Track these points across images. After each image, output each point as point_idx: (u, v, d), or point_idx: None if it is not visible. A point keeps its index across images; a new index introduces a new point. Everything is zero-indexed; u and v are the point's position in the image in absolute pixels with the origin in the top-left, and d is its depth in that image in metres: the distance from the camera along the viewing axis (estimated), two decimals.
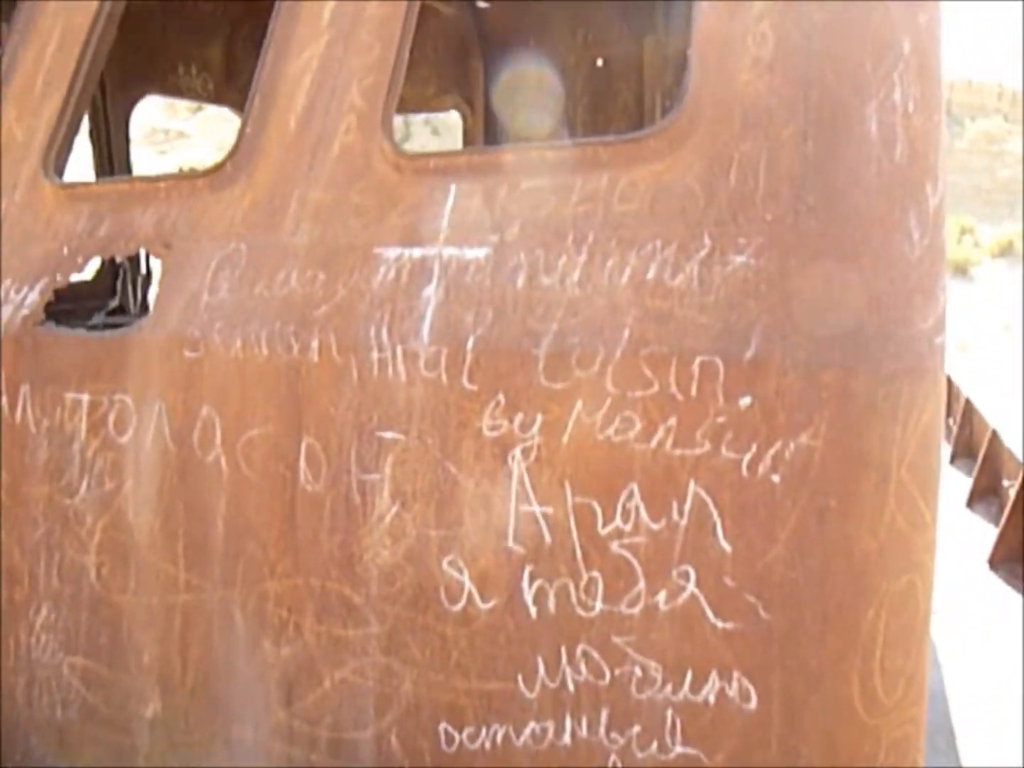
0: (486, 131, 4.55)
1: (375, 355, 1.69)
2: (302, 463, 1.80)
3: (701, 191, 1.54)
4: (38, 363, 2.08)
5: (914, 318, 1.41)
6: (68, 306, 2.20)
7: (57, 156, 2.24)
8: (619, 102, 4.23)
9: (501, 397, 1.60)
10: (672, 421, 1.47)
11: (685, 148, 1.57)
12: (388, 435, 1.71)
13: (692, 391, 1.45)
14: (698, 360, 1.44)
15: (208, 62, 4.30)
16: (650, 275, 1.52)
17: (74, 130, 2.29)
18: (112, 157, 3.84)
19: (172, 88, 4.18)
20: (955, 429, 7.34)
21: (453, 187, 1.74)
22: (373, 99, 1.88)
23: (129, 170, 3.90)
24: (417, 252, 1.72)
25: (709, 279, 1.48)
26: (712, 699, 1.52)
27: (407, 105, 4.79)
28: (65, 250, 2.13)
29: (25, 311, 2.09)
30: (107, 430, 2.01)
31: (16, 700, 2.31)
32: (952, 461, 6.91)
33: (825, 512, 1.40)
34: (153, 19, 3.89)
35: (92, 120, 3.79)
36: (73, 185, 2.20)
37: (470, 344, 1.61)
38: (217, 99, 4.41)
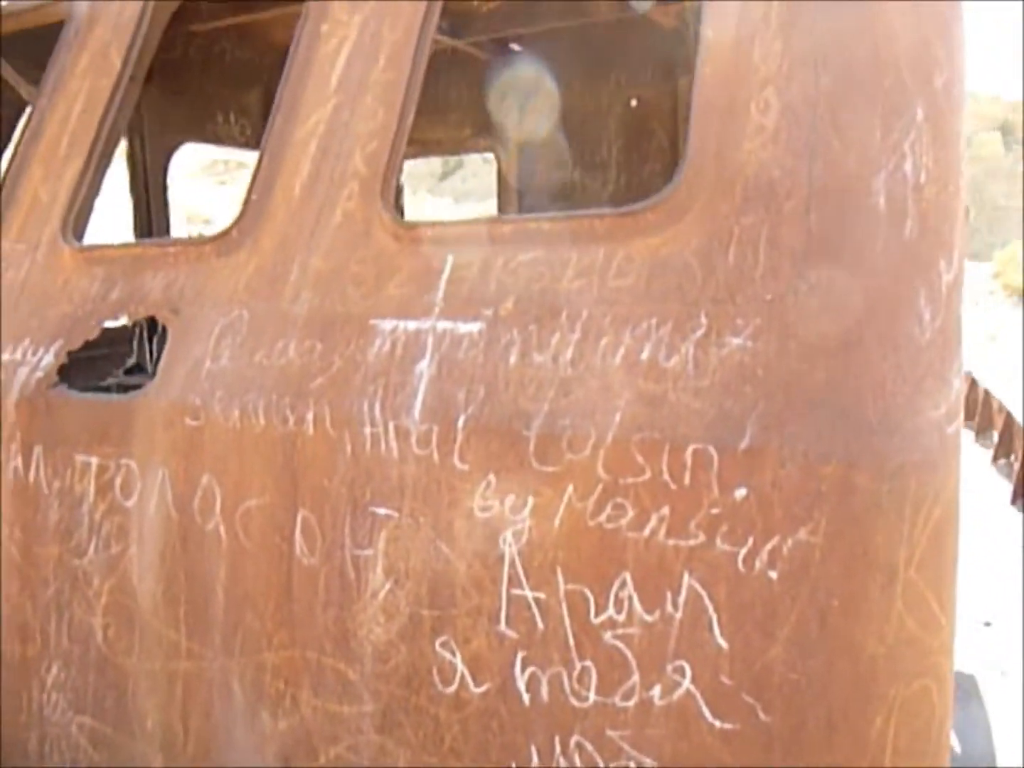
0: (519, 174, 4.54)
1: (368, 430, 1.66)
2: (298, 535, 1.78)
3: (699, 267, 1.48)
4: (51, 425, 2.10)
5: (924, 405, 1.32)
6: (98, 352, 2.22)
7: (76, 219, 2.28)
8: (654, 142, 4.17)
9: (492, 478, 1.55)
10: (665, 510, 1.41)
11: (683, 222, 1.52)
12: (381, 511, 1.67)
13: (685, 480, 1.38)
14: (691, 448, 1.38)
15: (246, 109, 4.38)
16: (644, 355, 1.46)
17: (94, 193, 2.33)
18: (150, 206, 3.92)
19: (211, 136, 4.26)
20: (1018, 468, 7.05)
21: (450, 258, 1.71)
22: (375, 166, 1.86)
23: (167, 219, 3.98)
24: (412, 325, 1.69)
25: (704, 362, 1.41)
26: None
27: (443, 147, 4.82)
28: (80, 313, 2.15)
29: (40, 373, 2.12)
30: (114, 494, 2.02)
31: (29, 756, 2.32)
32: (1013, 502, 6.63)
33: (827, 612, 1.32)
34: (192, 69, 3.98)
35: (131, 169, 3.88)
36: (90, 248, 2.23)
37: (461, 423, 1.57)
38: (255, 145, 4.48)
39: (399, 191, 4.84)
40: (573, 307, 1.55)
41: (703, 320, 1.44)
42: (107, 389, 2.16)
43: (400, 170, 1.89)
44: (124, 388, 2.10)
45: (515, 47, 4.38)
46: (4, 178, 2.47)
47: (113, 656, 2.10)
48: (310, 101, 2.04)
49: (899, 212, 1.39)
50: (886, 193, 1.40)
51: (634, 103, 4.28)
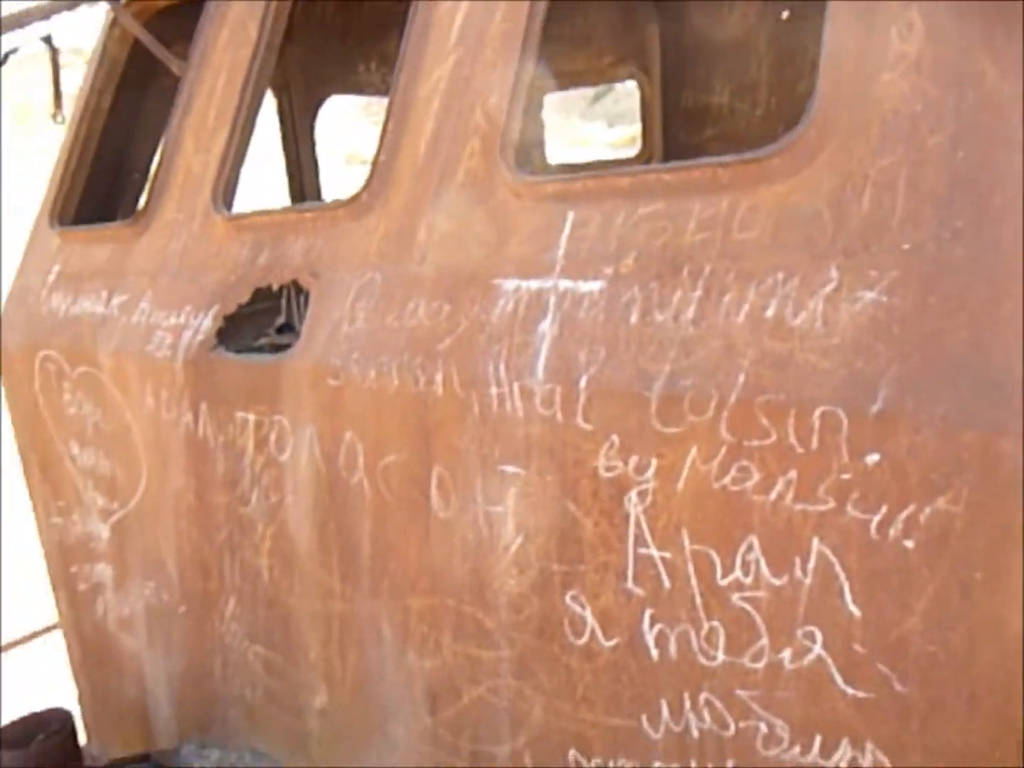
0: (664, 99, 4.35)
1: (494, 391, 1.69)
2: (433, 491, 1.85)
3: (830, 216, 1.38)
4: (213, 384, 2.27)
5: None
6: (261, 306, 2.36)
7: (225, 189, 2.41)
8: (807, 59, 3.87)
9: (615, 438, 1.54)
10: (792, 474, 1.35)
11: (814, 166, 1.41)
12: (510, 469, 1.71)
13: (813, 444, 1.32)
14: (819, 411, 1.31)
15: (386, 56, 4.42)
16: (769, 313, 1.39)
17: (240, 163, 2.44)
18: (301, 161, 4.07)
19: (355, 86, 4.34)
20: None
21: (571, 214, 1.68)
22: (495, 121, 1.84)
23: (317, 175, 4.12)
24: (534, 284, 1.68)
25: (835, 318, 1.33)
26: (844, 767, 1.41)
27: (583, 78, 4.69)
28: (232, 278, 2.29)
29: (201, 336, 2.29)
30: (269, 448, 2.17)
31: (215, 678, 2.59)
32: None
33: (969, 585, 1.24)
34: (332, 22, 4.05)
35: (281, 127, 4.03)
36: (238, 217, 2.36)
37: (583, 383, 1.56)
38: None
39: (541, 129, 4.78)
40: (695, 263, 1.49)
41: (833, 273, 1.35)
42: (260, 349, 2.29)
43: (524, 118, 1.85)
44: (276, 347, 2.23)
45: None
46: (162, 152, 2.63)
47: (278, 595, 2.29)
48: (432, 57, 2.04)
49: None
50: None
51: (785, 15, 3.98)
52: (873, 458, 1.27)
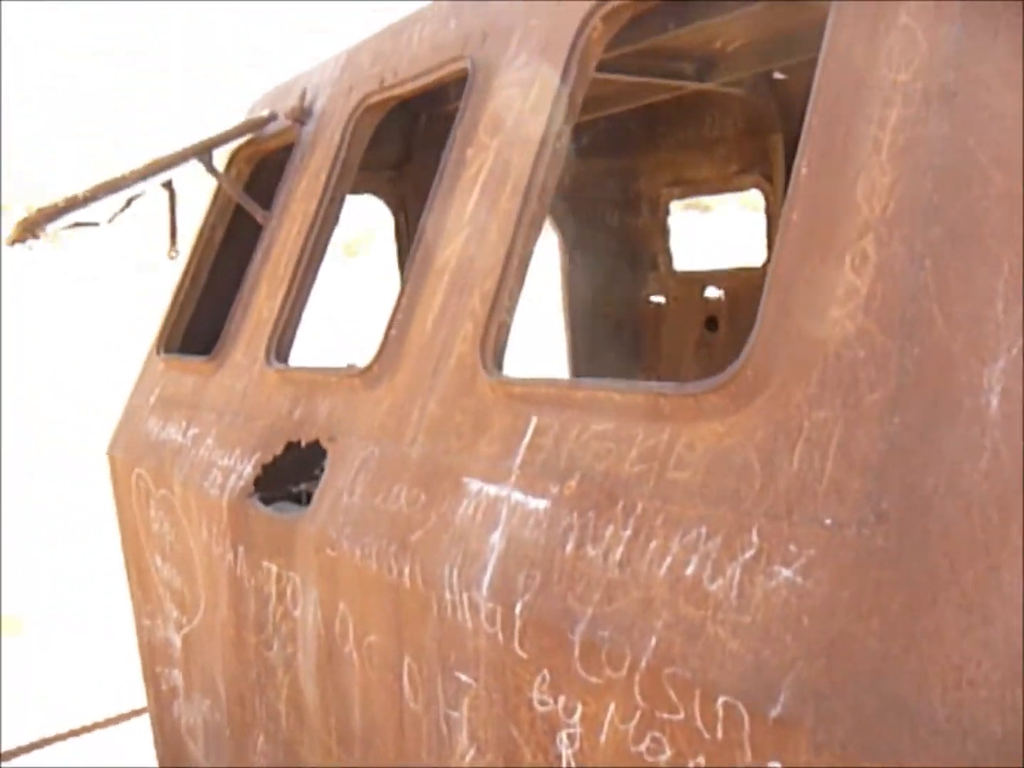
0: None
1: (448, 596, 1.64)
2: (405, 680, 1.82)
3: (760, 469, 1.24)
4: (247, 530, 2.37)
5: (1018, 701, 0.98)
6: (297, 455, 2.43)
7: (281, 338, 2.54)
8: None
9: (546, 673, 1.45)
10: (701, 760, 1.21)
11: (751, 407, 1.28)
12: (463, 677, 1.65)
13: (718, 733, 1.17)
14: (721, 699, 1.16)
15: None
16: (689, 571, 1.26)
17: (298, 312, 2.57)
18: None
19: None
20: None
21: (535, 420, 1.62)
22: (486, 306, 1.83)
23: None
24: (492, 490, 1.63)
25: (750, 592, 1.18)
26: None
27: (709, 187, 4.57)
28: (274, 428, 2.40)
29: (242, 482, 2.40)
30: (286, 601, 2.23)
31: None
32: None
33: None
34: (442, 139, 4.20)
35: (396, 245, 4.21)
36: (283, 370, 2.47)
37: (519, 609, 1.49)
38: None
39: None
40: (630, 498, 1.39)
41: (755, 538, 1.20)
42: (298, 496, 2.38)
43: (512, 308, 1.83)
44: (310, 496, 2.30)
45: (778, 76, 4.01)
46: (241, 294, 2.83)
47: (292, 742, 2.32)
48: (449, 230, 2.06)
49: (1015, 419, 1.04)
50: (1002, 391, 1.06)
51: None
52: (775, 766, 1.11)
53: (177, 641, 2.99)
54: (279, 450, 2.35)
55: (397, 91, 2.52)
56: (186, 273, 3.26)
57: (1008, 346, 1.07)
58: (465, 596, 1.60)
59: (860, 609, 1.07)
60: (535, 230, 1.88)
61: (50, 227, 2.77)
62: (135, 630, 3.36)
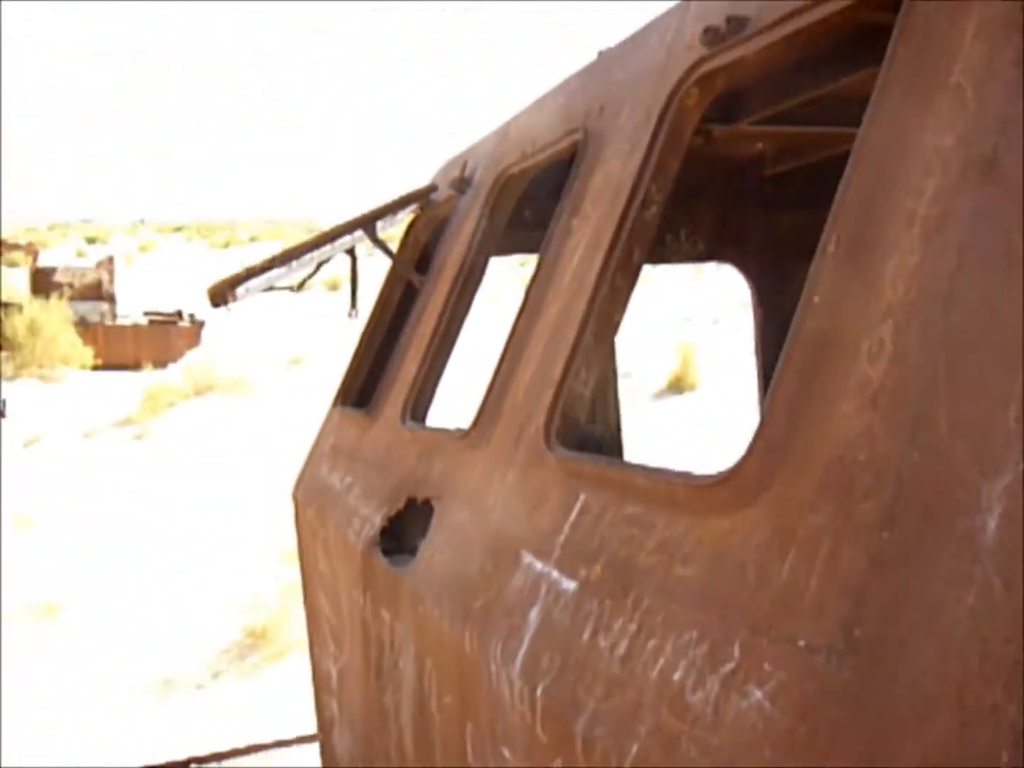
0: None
1: (493, 668, 1.65)
2: (468, 746, 1.83)
3: (754, 576, 1.14)
4: (372, 578, 2.51)
5: None
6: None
7: (417, 398, 2.68)
8: None
9: (559, 761, 1.41)
10: None
11: (756, 506, 1.18)
12: (505, 752, 1.64)
13: None
14: None
15: (699, 224, 4.46)
16: (677, 676, 1.18)
17: (435, 374, 2.71)
18: None
19: (658, 256, 4.44)
20: None
21: (582, 497, 1.60)
22: (559, 377, 1.83)
23: None
24: (539, 565, 1.62)
25: (724, 710, 1.08)
26: None
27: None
28: (400, 483, 2.54)
29: (372, 532, 2.56)
30: (396, 650, 2.33)
31: None
32: None
33: None
34: None
35: None
36: (414, 428, 2.61)
37: (539, 692, 1.46)
38: (709, 257, 4.53)
39: None
40: (641, 590, 1.32)
41: (736, 652, 1.10)
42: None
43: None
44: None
45: None
46: (394, 350, 3.02)
47: None
48: (548, 299, 2.09)
49: (1014, 548, 0.88)
50: (1002, 514, 0.90)
51: None
52: None
53: (334, 673, 3.21)
54: (401, 505, 2.47)
55: (531, 161, 2.60)
56: (365, 331, 3.55)
57: (1016, 460, 0.91)
58: (504, 671, 1.60)
59: (815, 749, 0.95)
60: (616, 303, 1.86)
61: (244, 290, 3.14)
62: (309, 657, 3.64)
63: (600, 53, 2.62)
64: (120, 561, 11.06)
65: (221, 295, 2.96)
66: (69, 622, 9.19)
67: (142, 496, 13.86)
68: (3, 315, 21.86)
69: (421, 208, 3.46)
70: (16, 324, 21.31)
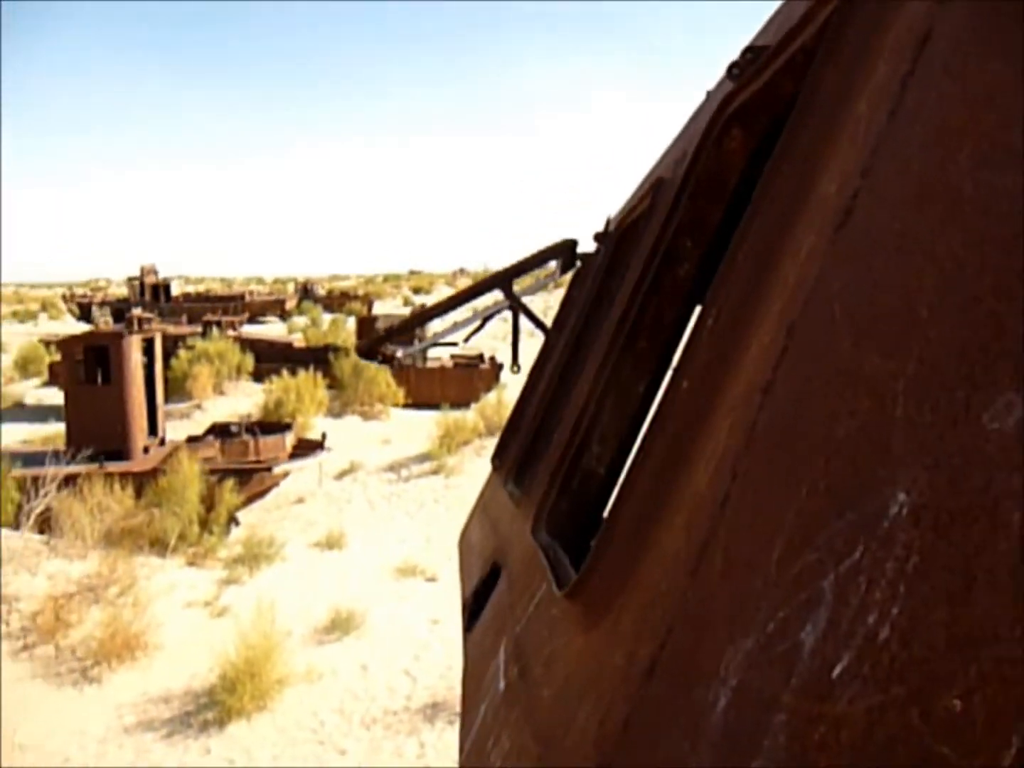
0: None
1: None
2: None
3: (574, 712, 0.98)
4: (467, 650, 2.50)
5: None
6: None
7: (521, 463, 2.64)
8: None
9: None
10: None
11: (596, 630, 1.02)
12: None
13: None
14: None
15: None
16: None
17: (544, 438, 2.65)
18: None
19: None
20: None
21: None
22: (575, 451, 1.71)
23: None
24: (502, 657, 1.52)
25: None
26: None
27: None
28: (495, 544, 2.51)
29: (468, 594, 2.55)
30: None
31: None
32: None
33: None
34: None
35: None
36: (511, 490, 2.57)
37: None
38: None
39: None
40: (516, 707, 1.19)
41: None
42: None
43: None
44: None
45: None
46: (523, 409, 3.00)
47: None
48: (586, 355, 1.97)
49: (740, 738, 0.68)
50: (735, 688, 0.70)
51: None
52: None
53: None
54: (488, 567, 2.45)
55: (630, 216, 2.48)
56: (525, 386, 3.57)
57: (765, 620, 0.70)
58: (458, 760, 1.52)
59: None
60: (638, 370, 1.71)
61: (408, 350, 3.32)
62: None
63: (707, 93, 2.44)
64: (416, 578, 12.05)
65: (367, 352, 3.16)
66: (368, 630, 10.13)
67: (435, 522, 15.02)
68: (334, 358, 24.98)
69: (582, 263, 3.43)
70: (344, 366, 24.21)
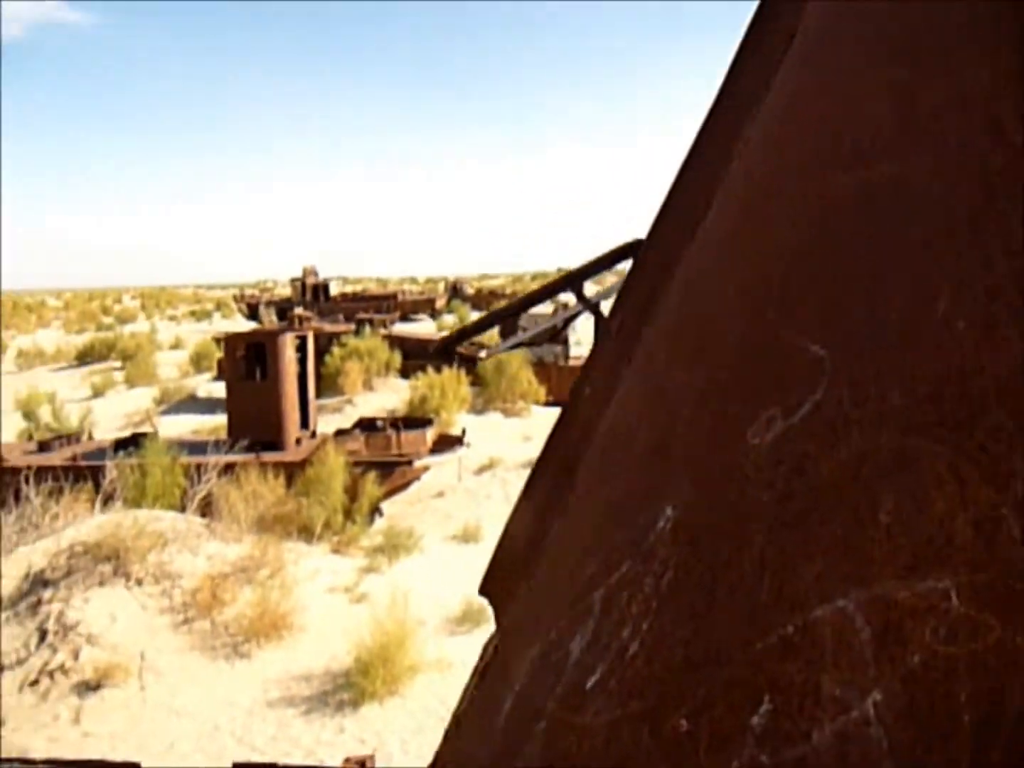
0: None
1: None
2: None
3: None
4: None
5: None
6: None
7: None
8: None
9: None
10: None
11: None
12: None
13: None
14: None
15: None
16: None
17: None
18: None
19: None
20: None
21: None
22: None
23: None
24: None
25: None
26: None
27: None
28: None
29: None
30: None
31: None
32: None
33: None
34: None
35: None
36: None
37: None
38: None
39: None
40: None
41: None
42: None
43: None
44: None
45: None
46: None
47: None
48: None
49: None
50: None
51: None
52: None
53: None
54: None
55: None
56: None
57: (548, 629, 0.68)
58: None
59: None
60: None
61: (491, 351, 3.38)
62: None
63: None
64: None
65: (443, 352, 3.24)
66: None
67: None
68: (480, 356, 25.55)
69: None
70: (487, 364, 24.70)
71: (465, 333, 3.28)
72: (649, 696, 0.41)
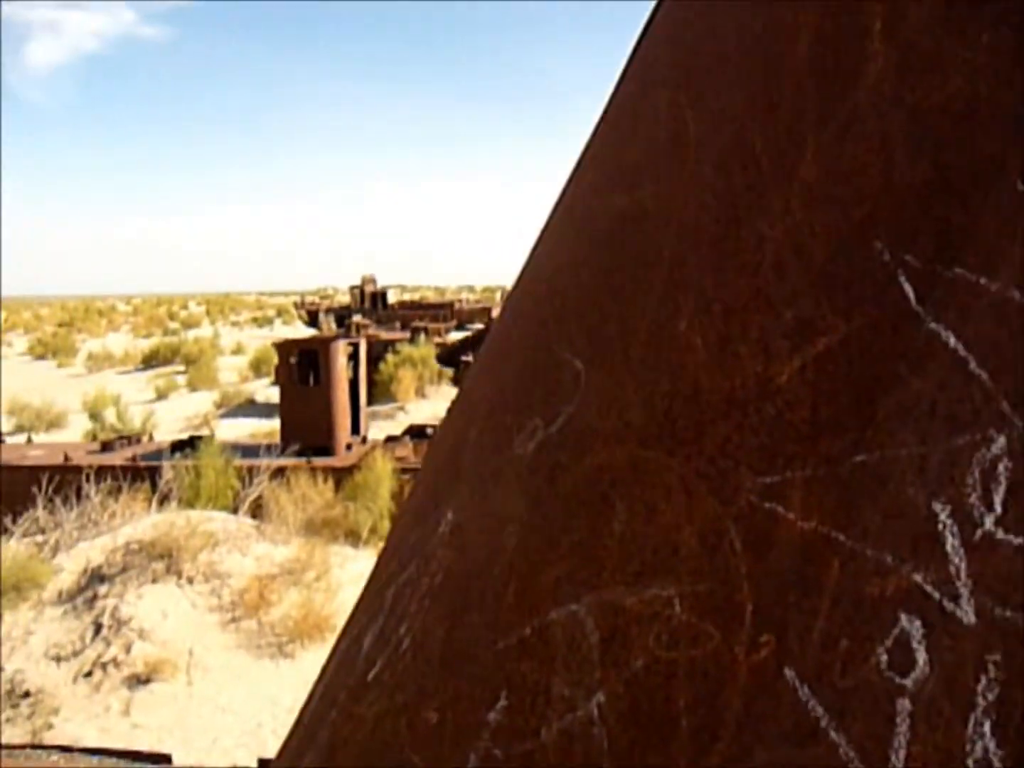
0: None
1: None
2: None
3: None
4: None
5: None
6: None
7: None
8: None
9: None
10: None
11: None
12: None
13: None
14: None
15: None
16: None
17: None
18: None
19: None
20: None
21: None
22: None
23: None
24: None
25: None
26: None
27: None
28: None
29: None
30: None
31: None
32: None
33: None
34: None
35: None
36: None
37: None
38: None
39: None
40: None
41: None
42: None
43: None
44: None
45: None
46: None
47: None
48: None
49: None
50: None
51: None
52: None
53: None
54: None
55: None
56: None
57: (356, 624, 0.71)
58: None
59: None
60: None
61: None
62: None
63: None
64: None
65: (447, 360, 3.28)
66: None
67: None
68: None
69: None
70: None
71: (468, 343, 3.32)
72: (410, 689, 0.44)
